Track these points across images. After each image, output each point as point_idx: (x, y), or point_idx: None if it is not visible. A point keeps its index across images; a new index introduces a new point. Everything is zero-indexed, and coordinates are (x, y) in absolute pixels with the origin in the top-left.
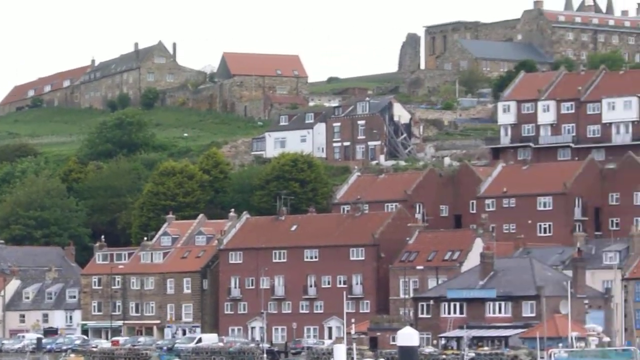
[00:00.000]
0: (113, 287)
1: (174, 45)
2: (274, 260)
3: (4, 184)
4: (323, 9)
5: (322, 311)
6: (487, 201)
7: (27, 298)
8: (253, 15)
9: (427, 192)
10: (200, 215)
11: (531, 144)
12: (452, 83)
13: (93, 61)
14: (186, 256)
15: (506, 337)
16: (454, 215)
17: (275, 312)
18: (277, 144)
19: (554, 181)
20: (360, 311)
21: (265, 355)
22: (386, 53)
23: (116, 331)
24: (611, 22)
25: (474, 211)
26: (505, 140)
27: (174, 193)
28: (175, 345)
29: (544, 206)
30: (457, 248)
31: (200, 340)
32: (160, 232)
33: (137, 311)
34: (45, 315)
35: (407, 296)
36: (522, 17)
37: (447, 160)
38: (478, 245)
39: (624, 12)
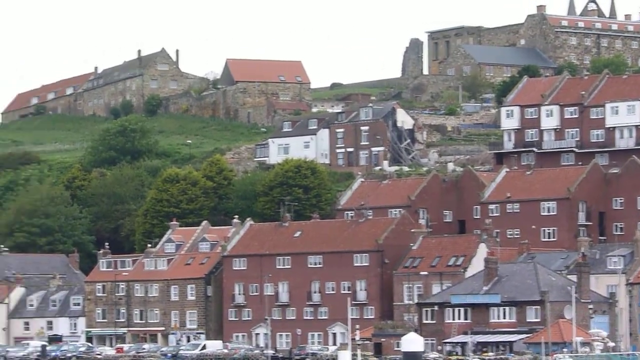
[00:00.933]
0: (117, 294)
1: (177, 51)
2: (277, 267)
3: (8, 192)
4: (326, 15)
5: (326, 317)
6: (491, 206)
7: (32, 305)
8: (256, 21)
9: (431, 198)
10: (204, 222)
11: (535, 149)
12: (455, 88)
13: (96, 68)
14: (190, 263)
15: (511, 343)
16: (458, 221)
17: (280, 318)
18: (281, 150)
19: (558, 186)
20: (365, 317)
21: None
22: (389, 59)
23: (120, 338)
24: (614, 27)
25: (478, 216)
26: (508, 145)
27: (178, 200)
28: (180, 352)
29: (548, 211)
30: (461, 253)
31: (204, 347)
32: (164, 238)
33: (141, 318)
34: (50, 323)
35: (411, 302)
36: (525, 21)
37: (450, 166)
38: (482, 250)
39: (627, 16)
